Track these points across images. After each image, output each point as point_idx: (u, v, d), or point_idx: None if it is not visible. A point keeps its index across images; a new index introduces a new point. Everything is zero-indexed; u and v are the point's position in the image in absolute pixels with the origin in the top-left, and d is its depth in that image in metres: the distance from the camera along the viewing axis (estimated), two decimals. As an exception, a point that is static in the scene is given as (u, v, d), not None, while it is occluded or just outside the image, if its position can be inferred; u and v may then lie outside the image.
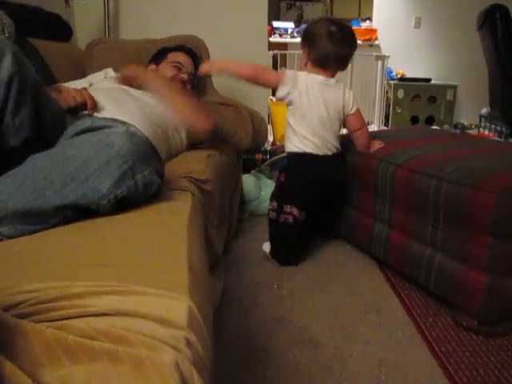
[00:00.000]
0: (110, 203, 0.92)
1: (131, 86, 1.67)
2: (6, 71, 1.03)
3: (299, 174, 1.69)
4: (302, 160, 1.68)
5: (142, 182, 0.95)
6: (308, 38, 1.65)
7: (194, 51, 2.06)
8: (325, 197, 1.74)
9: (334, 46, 1.60)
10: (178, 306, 0.58)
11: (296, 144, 1.67)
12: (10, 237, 0.89)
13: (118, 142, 0.93)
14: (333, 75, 1.67)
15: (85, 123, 1.09)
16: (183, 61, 1.97)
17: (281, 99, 1.69)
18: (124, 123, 1.06)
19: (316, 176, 1.68)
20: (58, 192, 0.89)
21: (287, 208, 1.69)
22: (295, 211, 1.68)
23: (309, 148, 1.65)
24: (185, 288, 0.63)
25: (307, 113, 1.63)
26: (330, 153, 1.67)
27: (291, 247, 1.75)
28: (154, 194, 1.02)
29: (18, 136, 1.08)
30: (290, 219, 1.69)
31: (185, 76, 1.93)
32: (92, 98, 1.41)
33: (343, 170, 1.76)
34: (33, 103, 1.09)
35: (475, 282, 1.28)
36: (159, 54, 2.02)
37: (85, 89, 1.68)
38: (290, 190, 1.71)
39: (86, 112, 1.38)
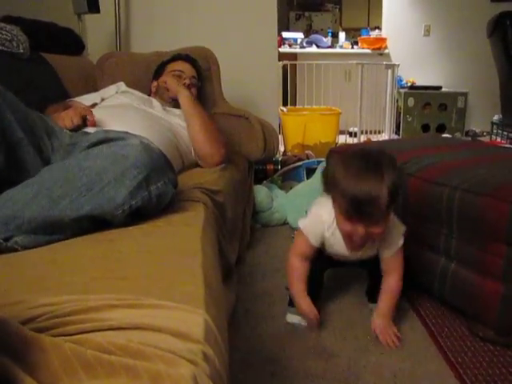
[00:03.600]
0: (124, 214, 0.93)
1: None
2: None
3: None
4: None
5: (155, 192, 0.96)
6: None
7: (190, 56, 2.06)
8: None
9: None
10: (194, 319, 0.59)
11: None
12: (25, 247, 0.90)
13: (132, 154, 0.94)
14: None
15: (99, 135, 1.11)
16: (182, 67, 1.98)
17: None
18: (136, 136, 1.07)
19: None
20: (74, 202, 0.90)
21: None
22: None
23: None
24: (200, 301, 0.64)
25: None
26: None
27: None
28: (168, 205, 1.03)
29: None
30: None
31: (187, 81, 1.93)
32: (92, 113, 1.41)
33: None
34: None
35: (491, 291, 1.27)
36: (158, 70, 2.04)
37: (94, 104, 1.71)
38: None
39: (85, 130, 1.38)
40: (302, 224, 1.34)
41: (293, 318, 1.43)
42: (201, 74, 2.10)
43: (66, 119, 1.37)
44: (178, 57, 2.04)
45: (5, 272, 0.78)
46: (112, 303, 0.61)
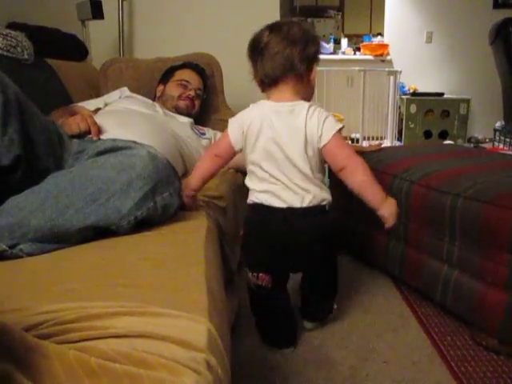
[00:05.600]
0: (129, 224, 0.93)
1: None
2: None
3: (251, 232, 1.31)
4: (253, 214, 1.29)
5: (161, 203, 0.97)
6: None
7: (200, 66, 2.08)
8: (289, 261, 1.29)
9: (252, 66, 1.24)
10: (197, 328, 0.59)
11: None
12: (29, 254, 0.90)
13: (139, 164, 0.94)
14: (289, 93, 1.22)
15: (106, 144, 1.11)
16: (189, 77, 1.99)
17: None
18: (143, 145, 1.08)
19: (272, 236, 1.24)
20: (80, 212, 0.90)
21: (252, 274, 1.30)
22: (260, 277, 1.27)
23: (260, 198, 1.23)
24: (203, 310, 0.64)
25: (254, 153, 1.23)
26: (297, 204, 1.20)
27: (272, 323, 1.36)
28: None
29: (9, 154, 1.05)
30: (254, 286, 1.30)
31: (191, 93, 1.95)
32: (95, 124, 1.41)
33: (321, 227, 1.25)
34: (19, 120, 1.07)
35: (494, 299, 1.26)
36: (166, 74, 2.06)
37: (98, 109, 1.71)
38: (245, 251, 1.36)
39: (91, 136, 1.39)
40: (334, 127, 1.19)
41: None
42: (206, 85, 2.11)
43: (72, 125, 1.38)
44: (187, 65, 2.06)
45: (9, 278, 0.79)
46: (115, 311, 0.61)
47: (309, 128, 1.17)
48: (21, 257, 0.89)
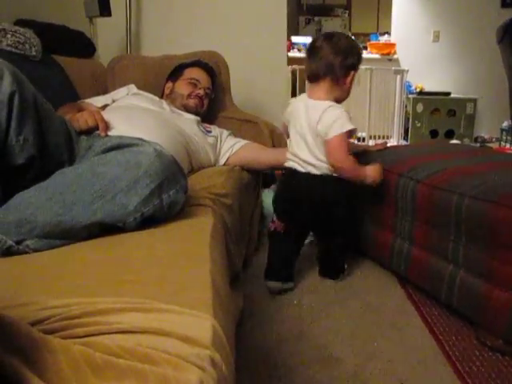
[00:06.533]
0: (136, 221, 0.93)
1: None
2: (6, 90, 1.03)
3: (278, 186, 1.80)
4: (284, 175, 1.69)
5: (167, 200, 0.97)
6: None
7: (209, 65, 2.08)
8: (302, 215, 1.62)
9: (305, 62, 1.57)
10: (202, 324, 0.59)
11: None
12: (36, 250, 0.91)
13: (145, 162, 0.95)
14: (326, 90, 1.54)
15: (113, 141, 1.12)
16: (199, 76, 2.00)
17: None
18: (149, 142, 1.08)
19: (289, 191, 1.63)
20: (87, 208, 0.91)
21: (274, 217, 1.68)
22: (276, 222, 1.65)
23: (289, 163, 1.61)
24: (208, 306, 0.64)
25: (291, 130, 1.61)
26: (315, 171, 1.54)
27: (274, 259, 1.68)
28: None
29: (23, 154, 1.07)
30: (272, 228, 1.67)
31: (201, 92, 1.96)
32: (103, 120, 1.42)
33: (330, 191, 1.56)
34: (35, 120, 1.09)
35: (500, 299, 1.26)
36: (176, 71, 2.06)
37: (105, 106, 1.72)
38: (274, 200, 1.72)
39: (99, 133, 1.40)
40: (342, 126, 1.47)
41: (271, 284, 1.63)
42: (215, 84, 2.12)
43: (80, 121, 1.39)
44: (197, 63, 2.06)
45: (16, 273, 0.79)
46: (121, 306, 0.61)
47: (321, 123, 1.48)
48: (27, 253, 0.90)
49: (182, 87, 1.97)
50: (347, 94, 1.60)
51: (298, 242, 1.71)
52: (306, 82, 1.61)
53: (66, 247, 0.91)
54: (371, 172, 1.56)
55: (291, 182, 1.62)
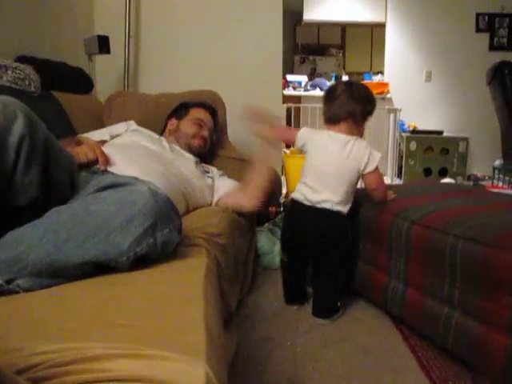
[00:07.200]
0: (129, 261, 0.93)
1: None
2: (17, 133, 1.01)
3: (285, 218, 1.92)
4: (291, 206, 1.80)
5: (161, 240, 0.96)
6: None
7: (213, 107, 2.12)
8: (305, 248, 1.76)
9: (325, 106, 1.73)
10: (195, 371, 0.58)
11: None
12: (26, 289, 0.89)
13: (140, 201, 0.95)
14: (346, 131, 1.68)
15: (107, 179, 1.12)
16: (204, 117, 2.03)
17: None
18: (144, 182, 1.08)
19: (295, 224, 1.76)
20: (79, 247, 0.90)
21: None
22: (283, 254, 1.83)
23: (298, 195, 1.72)
24: (202, 352, 0.63)
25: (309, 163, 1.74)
26: (321, 205, 1.65)
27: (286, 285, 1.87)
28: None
29: (27, 196, 1.06)
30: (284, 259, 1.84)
31: (206, 133, 1.98)
32: (103, 154, 1.43)
33: (334, 227, 1.68)
34: (42, 163, 1.08)
35: (496, 343, 1.24)
36: (181, 109, 2.08)
37: (104, 141, 1.73)
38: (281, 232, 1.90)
39: (98, 166, 1.40)
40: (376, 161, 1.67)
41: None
42: (216, 125, 2.15)
43: (80, 154, 1.39)
44: (202, 104, 2.10)
45: (3, 315, 0.77)
46: (112, 353, 0.59)
47: (353, 155, 1.64)
48: (18, 292, 0.88)
49: (187, 126, 1.98)
50: (362, 134, 1.76)
51: (303, 268, 1.84)
52: (324, 123, 1.76)
53: (57, 287, 0.90)
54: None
55: (299, 216, 1.72)
